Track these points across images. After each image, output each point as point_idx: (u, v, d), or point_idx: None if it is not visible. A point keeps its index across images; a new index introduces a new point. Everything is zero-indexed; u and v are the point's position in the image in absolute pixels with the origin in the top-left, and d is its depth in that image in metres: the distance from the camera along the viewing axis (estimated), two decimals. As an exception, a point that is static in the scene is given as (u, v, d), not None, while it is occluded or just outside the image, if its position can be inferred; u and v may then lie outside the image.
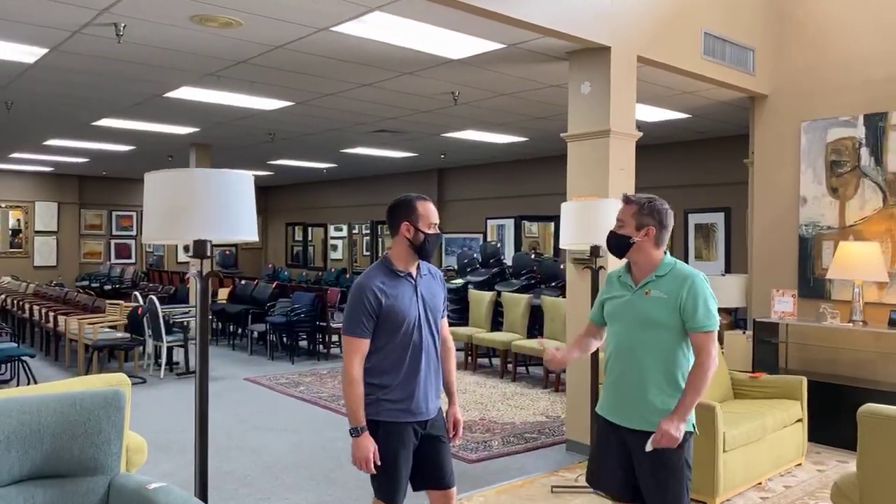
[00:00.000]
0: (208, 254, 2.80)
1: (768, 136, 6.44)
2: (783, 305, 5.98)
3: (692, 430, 2.66)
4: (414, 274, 2.71)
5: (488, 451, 5.17)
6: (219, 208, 2.73)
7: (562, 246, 4.49)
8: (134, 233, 16.72)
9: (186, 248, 2.73)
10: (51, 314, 9.18)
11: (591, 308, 3.10)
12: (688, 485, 2.65)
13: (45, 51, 5.38)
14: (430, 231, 2.67)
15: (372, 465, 2.56)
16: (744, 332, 6.39)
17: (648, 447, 2.56)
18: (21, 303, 10.71)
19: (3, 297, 11.98)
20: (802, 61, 6.20)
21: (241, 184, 2.82)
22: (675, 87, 6.49)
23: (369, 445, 2.56)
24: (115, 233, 16.50)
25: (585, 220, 4.26)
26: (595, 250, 4.32)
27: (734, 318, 7.12)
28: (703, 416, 4.07)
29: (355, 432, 2.57)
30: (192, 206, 2.68)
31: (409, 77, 6.15)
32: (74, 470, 2.70)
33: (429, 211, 2.69)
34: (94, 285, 14.21)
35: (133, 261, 16.91)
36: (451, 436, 2.82)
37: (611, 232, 2.78)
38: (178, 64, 5.78)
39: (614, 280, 2.80)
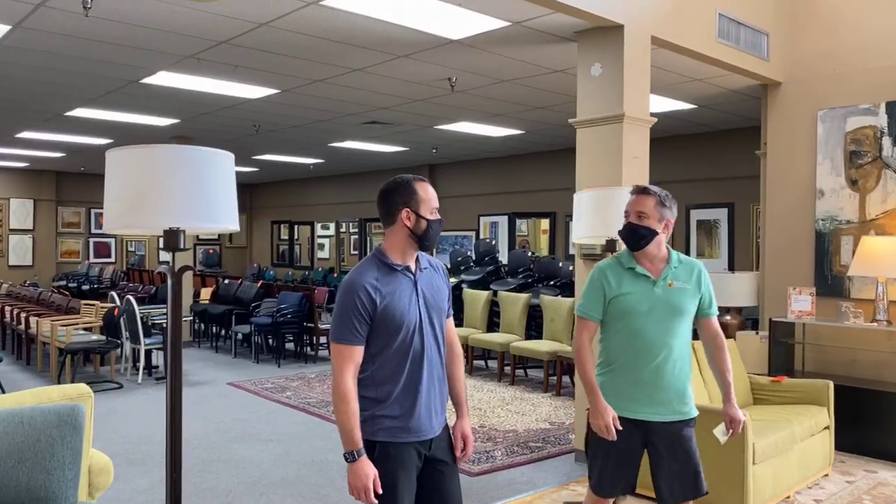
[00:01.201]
0: (182, 245, 2.41)
1: (782, 126, 6.11)
2: (801, 304, 5.65)
3: (696, 413, 2.80)
4: (413, 268, 2.33)
5: (491, 462, 4.79)
6: (194, 192, 2.32)
7: (574, 240, 4.11)
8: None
9: (168, 244, 2.32)
10: (22, 315, 8.70)
11: (631, 310, 2.74)
12: None
13: (6, 28, 4.93)
14: (433, 217, 2.30)
15: (372, 496, 2.14)
16: (756, 333, 6.05)
17: (724, 438, 2.78)
18: (-8, 304, 10.21)
19: (-27, 297, 11.47)
20: (818, 46, 5.88)
21: (220, 163, 2.42)
22: (685, 73, 6.14)
23: (369, 472, 2.15)
24: (93, 231, 15.95)
25: (600, 211, 3.88)
26: (611, 244, 3.95)
27: (743, 318, 6.79)
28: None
29: (351, 457, 2.16)
30: (162, 189, 2.27)
31: (404, 61, 5.75)
32: (21, 500, 2.29)
33: (430, 194, 2.32)
34: (71, 285, 13.67)
35: (113, 260, 16.38)
36: (459, 454, 2.41)
37: (632, 224, 2.72)
38: (153, 44, 5.35)
39: (621, 273, 2.71)
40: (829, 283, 5.78)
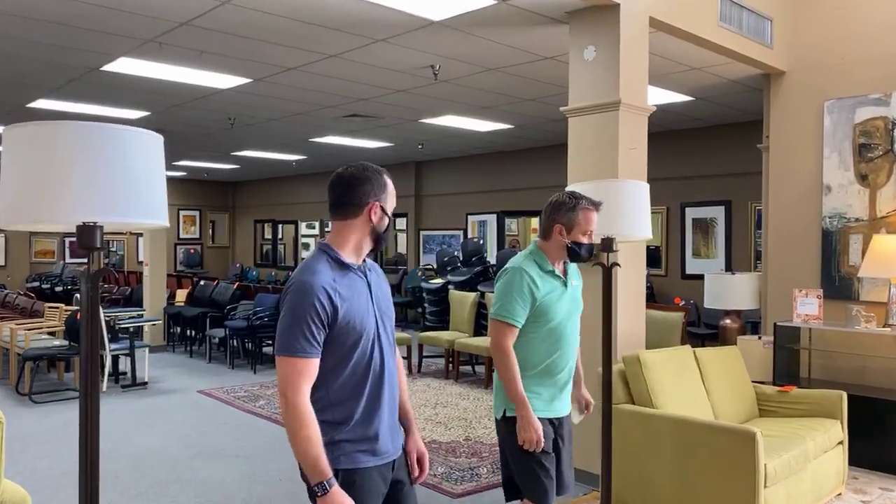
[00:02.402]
0: (99, 243, 1.99)
1: (786, 118, 5.74)
2: (807, 307, 5.29)
3: None
4: (363, 268, 2.05)
5: (476, 481, 4.39)
6: (113, 178, 1.88)
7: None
8: (91, 230, 15.66)
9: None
10: (-17, 319, 8.23)
11: (556, 311, 2.70)
12: None
13: (-57, 6, 4.49)
14: (389, 214, 2.07)
15: None
16: (759, 338, 5.68)
17: (579, 419, 2.94)
18: (-45, 306, 9.71)
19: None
20: (824, 33, 5.52)
21: (145, 144, 1.99)
22: (682, 60, 5.77)
23: (345, 502, 1.83)
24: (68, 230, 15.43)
25: (596, 206, 3.48)
26: (608, 243, 3.54)
27: (743, 322, 6.42)
28: (737, 444, 3.37)
29: (322, 489, 1.81)
30: (73, 176, 1.84)
31: (382, 45, 5.33)
32: None
33: (393, 190, 2.07)
34: (44, 286, 13.16)
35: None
36: (415, 474, 2.15)
37: (591, 245, 2.77)
38: (109, 26, 4.91)
39: (544, 275, 2.69)
40: (837, 284, 5.42)
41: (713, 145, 8.84)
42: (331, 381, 1.94)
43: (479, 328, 7.82)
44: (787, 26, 5.60)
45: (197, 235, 17.48)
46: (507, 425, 2.66)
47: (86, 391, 2.02)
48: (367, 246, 2.03)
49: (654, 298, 8.62)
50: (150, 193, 1.98)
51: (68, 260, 15.36)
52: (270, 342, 8.90)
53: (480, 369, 7.78)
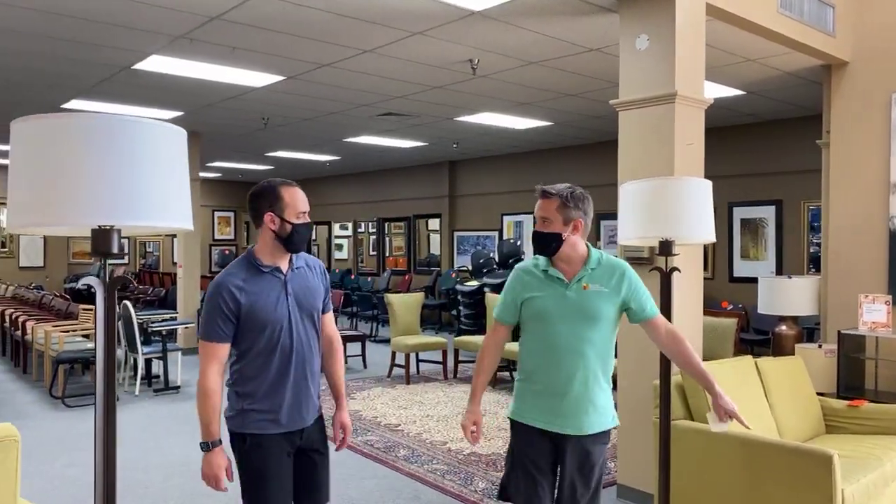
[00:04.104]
0: (115, 248, 1.79)
1: (849, 112, 5.37)
2: (874, 314, 4.92)
3: (617, 423, 2.62)
4: (284, 269, 2.42)
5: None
6: (131, 178, 1.68)
7: (620, 242, 3.43)
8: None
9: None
10: (20, 320, 8.22)
11: (543, 314, 2.55)
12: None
13: (-28, 2, 4.39)
14: (299, 221, 2.37)
15: (223, 484, 2.28)
16: (819, 346, 5.32)
17: (719, 428, 2.65)
18: (-6, 307, 9.76)
19: (-22, 300, 11.07)
20: (890, 20, 5.14)
21: (164, 139, 1.79)
22: (737, 51, 5.44)
23: (221, 462, 2.28)
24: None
25: (651, 206, 3.20)
26: (665, 246, 3.26)
27: (801, 328, 6.06)
28: (811, 467, 3.07)
29: (206, 447, 2.29)
30: (83, 175, 1.64)
31: (420, 39, 5.11)
32: None
33: (296, 199, 2.39)
34: (81, 288, 13.25)
35: (125, 261, 15.98)
36: (337, 442, 2.60)
37: (536, 231, 2.58)
38: (139, 22, 4.78)
39: (535, 275, 2.57)
40: (907, 290, 5.04)
41: (764, 142, 8.44)
42: (243, 360, 2.36)
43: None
44: (851, 13, 5.24)
45: (232, 236, 17.50)
46: (510, 425, 2.66)
47: (105, 402, 1.86)
48: (279, 249, 2.38)
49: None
50: (171, 193, 1.78)
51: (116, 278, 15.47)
52: (304, 345, 8.75)
53: (519, 375, 7.52)
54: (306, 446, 2.45)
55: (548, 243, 2.53)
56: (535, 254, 2.64)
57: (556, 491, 2.58)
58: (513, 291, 2.61)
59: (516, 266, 2.69)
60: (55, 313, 8.87)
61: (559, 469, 2.55)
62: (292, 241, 2.36)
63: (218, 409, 2.27)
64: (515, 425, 2.60)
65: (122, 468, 4.60)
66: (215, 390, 2.27)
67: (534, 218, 2.61)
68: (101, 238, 1.76)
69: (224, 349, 2.32)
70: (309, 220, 2.42)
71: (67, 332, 7.52)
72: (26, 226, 1.69)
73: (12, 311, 8.96)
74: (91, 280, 1.82)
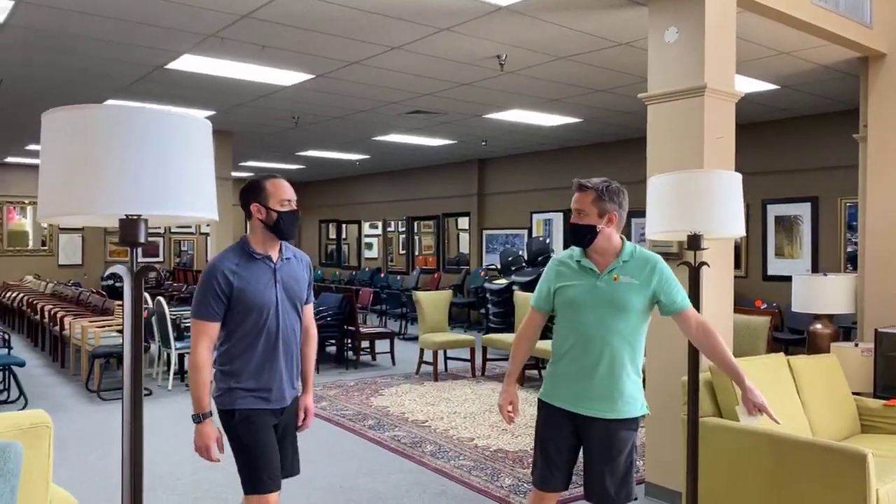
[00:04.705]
0: (143, 238, 1.82)
1: (887, 104, 5.24)
2: (913, 312, 4.79)
3: (646, 412, 2.70)
4: (274, 258, 2.59)
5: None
6: (156, 168, 1.71)
7: (648, 236, 3.39)
8: (161, 230, 16.08)
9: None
10: (58, 316, 8.42)
11: (573, 302, 2.68)
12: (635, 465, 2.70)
13: (10, 3, 4.50)
14: (284, 209, 2.53)
15: (213, 454, 2.44)
16: (856, 345, 5.20)
17: (749, 421, 2.77)
18: (34, 303, 10.01)
19: (18, 296, 11.36)
20: (933, 10, 5.00)
21: (190, 132, 1.81)
22: (770, 44, 5.34)
23: (211, 433, 2.45)
24: (142, 230, 15.85)
25: (680, 200, 3.15)
26: (694, 241, 3.21)
27: (837, 327, 5.92)
28: (845, 466, 3.00)
29: (197, 419, 2.45)
30: (112, 164, 1.67)
31: (447, 35, 5.11)
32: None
33: (279, 188, 2.56)
34: (118, 285, 13.55)
35: (161, 259, 16.27)
36: (299, 423, 2.74)
37: (572, 223, 2.68)
38: (170, 21, 4.86)
39: (570, 265, 2.69)
40: (947, 287, 4.90)
41: (799, 137, 8.27)
42: (232, 340, 2.51)
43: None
44: (888, 3, 5.10)
45: (263, 235, 17.72)
46: (538, 405, 2.78)
47: (132, 394, 1.87)
48: (270, 237, 2.55)
49: (734, 302, 8.12)
50: (197, 184, 1.80)
51: (140, 259, 15.78)
52: (334, 341, 8.84)
53: (547, 373, 7.48)
54: (284, 423, 2.65)
55: (583, 235, 2.63)
56: (571, 244, 2.76)
57: (584, 479, 2.70)
58: (548, 280, 2.74)
59: (553, 257, 2.85)
60: (92, 309, 9.06)
61: (585, 455, 2.66)
62: (279, 227, 2.52)
63: (208, 384, 2.44)
64: (543, 406, 2.73)
65: (154, 461, 4.70)
66: (206, 365, 2.44)
67: (572, 210, 2.70)
68: (129, 227, 1.79)
69: (215, 328, 2.48)
70: (294, 208, 2.57)
71: (103, 327, 7.68)
72: (56, 215, 1.73)
73: (51, 307, 9.19)
74: (118, 269, 1.85)
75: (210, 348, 2.46)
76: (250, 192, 2.56)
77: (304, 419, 2.77)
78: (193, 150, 1.81)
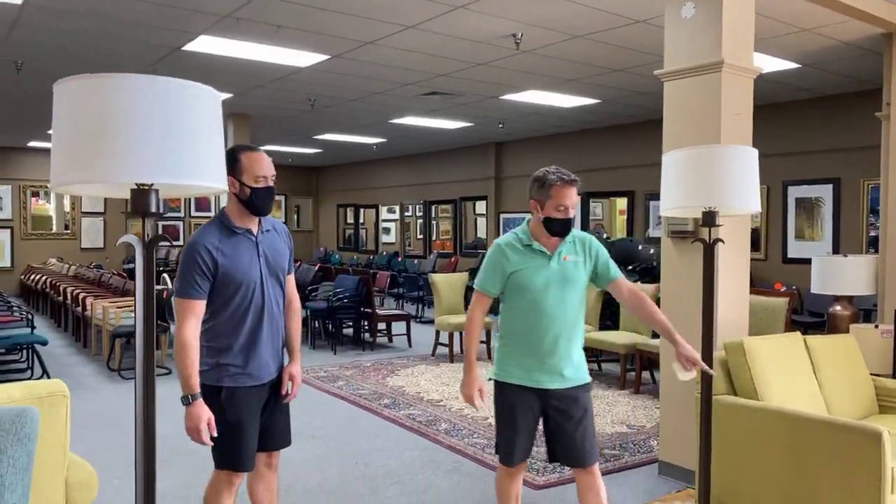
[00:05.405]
0: (154, 208, 1.84)
1: (911, 82, 5.13)
2: (934, 293, 4.71)
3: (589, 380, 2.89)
4: (254, 231, 2.54)
5: (559, 472, 4.13)
6: (166, 136, 1.72)
7: (662, 213, 3.36)
8: (182, 214, 16.24)
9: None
10: (79, 297, 8.56)
11: (531, 284, 2.81)
12: None
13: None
14: (258, 185, 2.47)
15: (205, 436, 2.35)
16: (876, 326, 5.13)
17: (687, 375, 2.82)
18: (57, 285, 10.19)
19: (42, 278, 11.56)
20: (961, -16, 4.88)
21: (199, 102, 1.82)
22: (789, 20, 5.24)
23: (202, 414, 2.35)
24: (162, 213, 16.02)
25: (696, 176, 3.12)
26: (709, 217, 3.18)
27: (856, 309, 5.84)
28: (859, 444, 2.98)
29: (187, 400, 2.36)
30: (125, 133, 1.68)
31: (462, 13, 5.08)
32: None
33: (254, 162, 2.47)
34: (128, 264, 13.73)
35: (181, 242, 16.44)
36: (284, 391, 2.67)
37: (569, 219, 2.81)
38: (186, 1, 4.87)
39: (518, 249, 2.82)
40: (971, 268, 4.81)
41: (820, 118, 8.13)
42: (218, 317, 2.47)
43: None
44: (914, -22, 4.99)
45: (282, 220, 17.83)
46: (495, 386, 2.89)
47: (144, 364, 1.90)
48: (244, 212, 2.49)
49: (752, 284, 8.02)
50: (206, 153, 1.81)
51: (161, 243, 15.97)
52: (351, 323, 8.89)
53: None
54: (274, 393, 2.62)
55: (570, 227, 2.82)
56: (553, 236, 2.82)
57: (552, 447, 2.86)
58: (500, 266, 2.83)
59: (497, 242, 2.90)
60: (113, 291, 9.20)
61: (554, 426, 2.82)
62: (253, 203, 2.46)
63: (197, 363, 2.36)
64: (507, 387, 2.83)
65: (171, 436, 4.74)
66: (194, 345, 2.36)
67: (562, 206, 2.78)
68: (141, 197, 1.81)
69: (201, 306, 2.41)
70: (271, 185, 2.50)
71: (123, 308, 7.79)
72: (67, 183, 1.75)
73: (73, 288, 9.35)
74: (130, 238, 1.87)
75: (197, 327, 2.40)
76: (226, 165, 2.51)
77: (292, 387, 2.72)
78: (203, 119, 1.82)
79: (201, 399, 2.36)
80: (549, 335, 2.77)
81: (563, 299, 2.78)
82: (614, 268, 2.94)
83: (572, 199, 2.81)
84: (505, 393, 2.83)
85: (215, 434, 2.37)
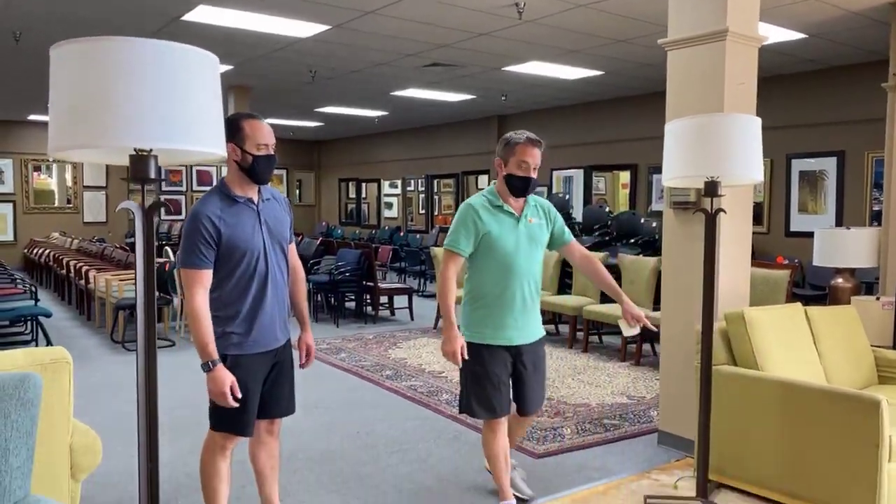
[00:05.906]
0: (153, 174, 1.84)
1: (918, 52, 5.08)
2: (937, 265, 4.70)
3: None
4: (255, 199, 2.56)
5: (559, 441, 4.17)
6: (164, 101, 1.70)
7: (665, 182, 3.35)
8: (184, 188, 16.21)
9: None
10: (83, 270, 8.58)
11: (502, 244, 3.01)
12: None
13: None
14: (260, 153, 2.48)
15: (231, 399, 2.38)
16: (877, 298, 5.13)
17: (630, 332, 3.09)
18: (60, 258, 10.21)
19: (45, 252, 11.59)
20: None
21: (197, 66, 1.80)
22: (798, -10, 5.17)
23: (226, 378, 2.38)
24: (164, 188, 16.00)
25: (699, 144, 3.10)
26: (711, 187, 3.16)
27: (858, 281, 5.84)
28: (858, 413, 3.00)
29: (207, 367, 2.39)
30: (123, 97, 1.67)
31: (463, -18, 5.02)
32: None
33: (256, 130, 2.49)
34: (126, 226, 13.75)
35: (182, 216, 16.44)
36: (302, 362, 2.76)
37: (531, 178, 2.93)
38: (186, -30, 4.82)
39: (490, 210, 2.94)
40: (974, 240, 4.79)
41: (825, 90, 8.06)
42: (223, 286, 2.49)
43: (563, 287, 7.52)
44: (924, -55, 4.91)
45: (284, 194, 17.82)
46: (468, 348, 2.96)
47: (146, 331, 1.91)
48: (245, 180, 2.50)
49: (754, 257, 8.02)
50: (204, 118, 1.80)
51: (163, 217, 15.97)
52: (353, 296, 8.92)
53: (564, 328, 7.51)
54: (279, 361, 2.65)
55: (532, 187, 2.96)
56: (516, 195, 2.97)
57: (518, 397, 3.07)
58: (474, 225, 2.93)
59: (468, 202, 2.99)
60: (115, 264, 9.22)
61: (519, 375, 3.02)
62: (255, 171, 2.48)
63: (211, 331, 2.39)
64: (481, 348, 2.95)
65: (177, 406, 4.83)
66: (205, 313, 2.38)
67: (523, 163, 2.91)
68: (139, 163, 1.80)
69: (207, 275, 2.42)
70: (272, 153, 2.52)
71: (125, 280, 7.82)
72: (65, 148, 1.74)
73: (76, 262, 9.37)
74: (129, 204, 1.87)
75: (206, 296, 2.41)
76: (227, 132, 2.46)
77: (308, 357, 2.77)
78: (200, 83, 1.80)
79: (221, 364, 2.39)
80: (521, 294, 2.94)
81: (531, 259, 2.97)
82: (568, 233, 3.17)
83: (535, 158, 2.91)
84: (481, 353, 2.95)
85: (239, 396, 2.40)
